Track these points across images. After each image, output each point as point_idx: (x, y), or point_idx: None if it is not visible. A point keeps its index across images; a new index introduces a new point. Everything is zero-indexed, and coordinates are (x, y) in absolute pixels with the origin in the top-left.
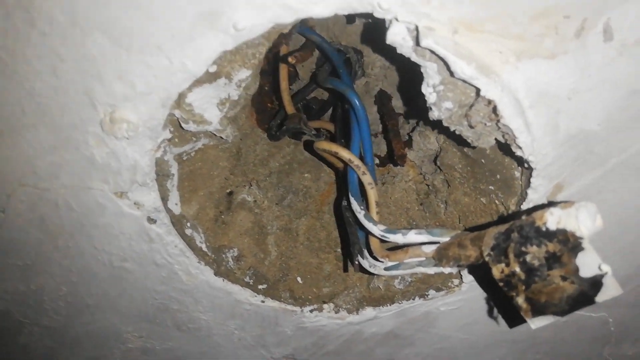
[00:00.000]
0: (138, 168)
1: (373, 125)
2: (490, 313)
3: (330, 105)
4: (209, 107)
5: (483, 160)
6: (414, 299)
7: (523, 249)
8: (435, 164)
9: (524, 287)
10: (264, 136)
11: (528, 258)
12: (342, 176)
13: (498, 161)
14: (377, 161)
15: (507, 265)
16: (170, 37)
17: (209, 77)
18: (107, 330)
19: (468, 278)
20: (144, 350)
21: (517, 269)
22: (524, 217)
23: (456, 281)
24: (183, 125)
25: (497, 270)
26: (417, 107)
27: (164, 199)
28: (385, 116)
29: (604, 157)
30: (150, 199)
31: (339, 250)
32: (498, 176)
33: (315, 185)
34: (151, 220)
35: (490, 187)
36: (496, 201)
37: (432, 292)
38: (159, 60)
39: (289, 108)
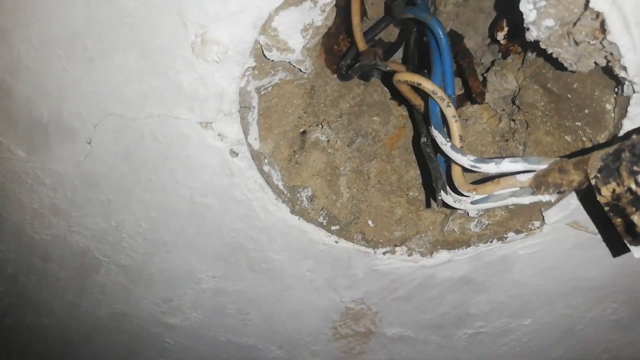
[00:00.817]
0: (225, 96)
1: None
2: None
3: (398, 47)
4: (293, 34)
5: (569, 95)
6: (491, 242)
7: (635, 167)
8: (514, 104)
9: (633, 209)
10: (333, 77)
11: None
12: (422, 112)
13: (587, 94)
14: None
15: (620, 184)
16: None
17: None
18: (182, 269)
19: (551, 219)
20: (217, 291)
21: (633, 186)
22: (634, 136)
23: (537, 223)
24: (266, 53)
25: (607, 191)
26: (493, 46)
27: (245, 132)
28: (458, 55)
29: None
30: (233, 131)
31: (411, 193)
32: (586, 111)
33: (384, 129)
34: (233, 153)
35: (577, 123)
36: (583, 137)
37: (511, 235)
38: None
39: (361, 44)
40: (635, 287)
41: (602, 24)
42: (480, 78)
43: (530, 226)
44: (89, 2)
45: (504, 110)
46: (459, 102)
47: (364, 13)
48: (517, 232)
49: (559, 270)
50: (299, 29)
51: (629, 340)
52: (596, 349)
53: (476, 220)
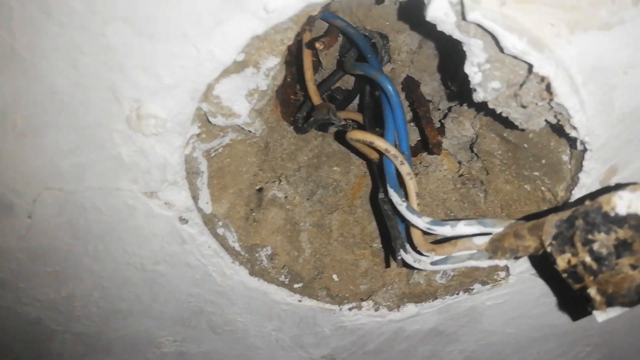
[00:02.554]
0: (168, 166)
1: None
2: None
3: (355, 95)
4: (238, 99)
5: (526, 145)
6: (458, 294)
7: (590, 236)
8: (472, 151)
9: (591, 278)
10: (290, 129)
11: (595, 246)
12: (378, 167)
13: (543, 145)
14: None
15: (574, 254)
16: (197, 22)
17: (237, 67)
18: (140, 335)
19: (516, 270)
20: (179, 354)
21: (587, 259)
22: (587, 203)
23: (502, 274)
24: (211, 119)
25: (562, 261)
26: (450, 91)
27: (195, 197)
28: (415, 103)
29: None
30: (181, 198)
31: (375, 245)
32: (543, 161)
33: (345, 178)
34: (183, 221)
35: (535, 172)
36: (542, 187)
37: (477, 286)
38: (185, 49)
39: (316, 98)
40: (608, 330)
41: (548, 87)
42: (438, 124)
43: (495, 277)
44: (14, 79)
45: (463, 157)
46: (418, 149)
47: (318, 64)
48: (483, 283)
49: (528, 318)
50: (243, 95)
51: None
52: None
53: (441, 272)
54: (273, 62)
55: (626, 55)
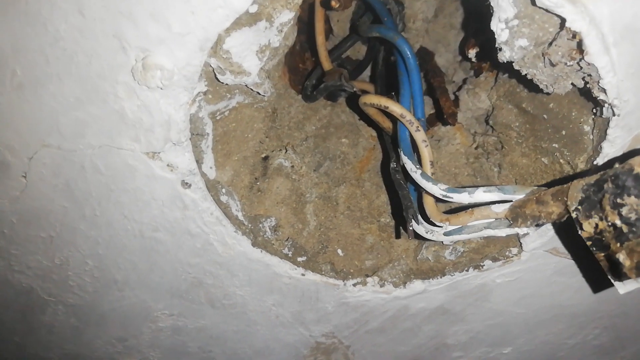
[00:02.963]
0: (172, 124)
1: None
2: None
3: (367, 65)
4: (248, 55)
5: (545, 116)
6: (467, 271)
7: (619, 200)
8: (487, 124)
9: (618, 245)
10: (298, 98)
11: (624, 211)
12: (391, 135)
13: (564, 115)
14: None
15: (603, 219)
16: None
17: (249, 19)
18: (136, 308)
19: (529, 246)
20: (176, 329)
21: (617, 221)
22: (617, 165)
23: (515, 250)
24: (219, 76)
25: (589, 226)
26: (466, 60)
27: (199, 161)
28: (429, 73)
29: None
30: (184, 161)
31: (382, 220)
32: (564, 132)
33: (354, 151)
34: (185, 185)
35: (554, 144)
36: (561, 160)
37: (487, 263)
38: None
39: (327, 64)
40: (618, 313)
41: (580, 44)
42: (453, 97)
43: (507, 253)
44: (13, 25)
45: (477, 130)
46: (430, 122)
47: (329, 31)
48: (494, 259)
49: (539, 298)
50: (254, 51)
51: None
52: None
53: (451, 247)
54: (287, 17)
55: None
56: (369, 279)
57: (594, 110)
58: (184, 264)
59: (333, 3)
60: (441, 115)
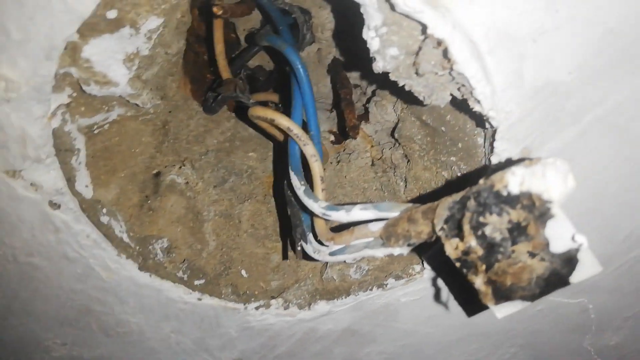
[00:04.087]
0: (28, 139)
1: (328, 99)
2: (437, 297)
3: (276, 75)
4: (113, 64)
5: (443, 129)
6: (371, 290)
7: (481, 219)
8: (393, 136)
9: (484, 267)
10: (200, 109)
11: (487, 230)
12: (284, 148)
13: (459, 127)
14: (332, 138)
15: (462, 239)
16: None
17: (109, 25)
18: (25, 337)
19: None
20: (71, 359)
21: (473, 243)
22: (481, 181)
23: (417, 267)
24: (84, 87)
25: (450, 247)
26: (369, 73)
27: (70, 179)
28: (337, 85)
29: (577, 113)
30: (49, 179)
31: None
32: (460, 145)
33: (262, 165)
34: (54, 205)
35: (452, 158)
36: (458, 174)
37: (391, 281)
38: None
39: (225, 74)
40: (532, 330)
41: (445, 52)
42: (363, 110)
43: (410, 271)
44: None
45: (386, 143)
46: (340, 138)
47: (236, 40)
48: (397, 278)
49: (447, 317)
50: (120, 59)
51: None
52: None
53: (355, 265)
54: (155, 23)
55: (534, 20)
56: (272, 301)
57: (476, 123)
58: (67, 291)
59: (215, 10)
60: (344, 128)
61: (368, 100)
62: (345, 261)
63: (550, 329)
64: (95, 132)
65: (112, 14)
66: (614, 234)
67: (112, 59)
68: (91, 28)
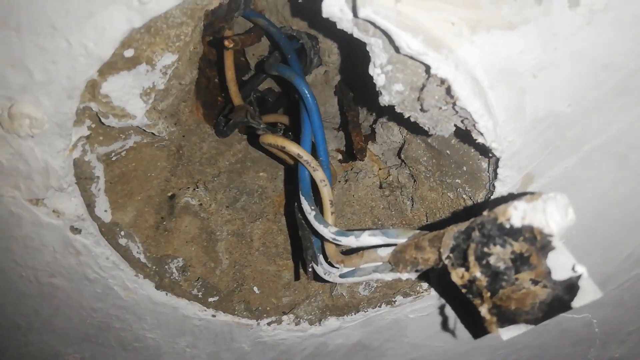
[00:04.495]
0: (51, 171)
1: (335, 118)
2: (444, 325)
3: (285, 98)
4: (131, 99)
5: (448, 152)
6: (380, 307)
7: (485, 249)
8: (400, 157)
9: (489, 294)
10: (212, 132)
11: (492, 260)
12: (294, 172)
13: (464, 151)
14: (339, 157)
15: (467, 269)
16: (64, 13)
17: (127, 63)
18: (45, 353)
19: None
20: None
21: (478, 274)
22: (485, 213)
23: (425, 285)
24: (103, 120)
25: (456, 275)
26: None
27: (90, 205)
28: (344, 107)
29: (577, 142)
30: (71, 206)
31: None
32: (465, 168)
33: (272, 185)
34: (75, 230)
35: (457, 180)
36: (464, 195)
37: (399, 298)
38: (55, 42)
39: (236, 100)
40: (538, 344)
41: (448, 90)
42: (370, 130)
43: (418, 289)
44: None
45: (394, 163)
46: (348, 157)
47: (246, 65)
48: (406, 295)
49: (455, 331)
50: (137, 94)
51: None
52: None
53: (364, 283)
54: (170, 59)
55: (534, 57)
56: (284, 317)
57: (479, 152)
58: (87, 309)
59: (226, 42)
60: (351, 150)
61: (375, 121)
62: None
63: (556, 342)
64: (113, 159)
65: (129, 53)
66: (616, 254)
67: (129, 94)
68: (110, 67)
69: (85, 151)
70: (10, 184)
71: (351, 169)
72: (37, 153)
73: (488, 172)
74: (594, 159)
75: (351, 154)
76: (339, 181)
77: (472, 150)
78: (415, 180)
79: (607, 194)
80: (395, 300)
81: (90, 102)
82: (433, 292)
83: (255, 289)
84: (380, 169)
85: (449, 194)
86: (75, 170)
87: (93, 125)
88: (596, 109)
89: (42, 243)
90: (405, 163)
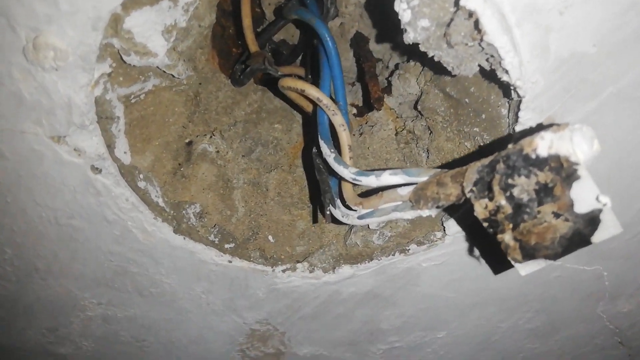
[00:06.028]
0: (73, 106)
1: (350, 73)
2: (470, 251)
3: (301, 49)
4: (153, 35)
5: (467, 100)
6: (393, 255)
7: (510, 180)
8: (416, 109)
9: (511, 226)
10: (227, 82)
11: (516, 192)
12: (312, 119)
13: (483, 99)
14: (354, 111)
15: (492, 199)
16: None
17: None
18: (62, 297)
19: (452, 230)
20: (106, 318)
21: (503, 202)
22: (510, 146)
23: (439, 234)
24: (124, 57)
25: (480, 207)
26: (395, 46)
27: (110, 145)
28: (361, 59)
29: (599, 86)
30: (92, 145)
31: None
32: (483, 116)
33: (287, 136)
34: (95, 170)
35: (475, 128)
36: (481, 144)
37: (413, 247)
38: None
39: (253, 47)
40: (548, 296)
41: (476, 23)
42: (386, 83)
43: (432, 237)
44: None
45: (408, 116)
46: (363, 111)
47: (261, 15)
48: (419, 243)
49: (467, 281)
50: (160, 31)
51: (547, 348)
52: (515, 358)
53: (378, 232)
54: None
55: None
56: (298, 265)
57: (503, 93)
58: (105, 252)
59: None
60: (369, 100)
61: (391, 74)
62: (369, 226)
63: (565, 295)
64: (133, 101)
65: None
66: (630, 204)
67: (152, 30)
68: (133, 0)
69: (106, 89)
70: (33, 119)
71: (366, 123)
72: (60, 87)
73: (508, 117)
74: (613, 104)
75: (368, 104)
76: (354, 134)
77: (492, 96)
78: (431, 132)
79: (626, 139)
80: (409, 249)
81: (112, 37)
82: (447, 240)
83: (270, 237)
84: (396, 119)
85: (466, 143)
86: (96, 108)
87: (114, 64)
88: (619, 52)
89: (63, 182)
90: (421, 114)
